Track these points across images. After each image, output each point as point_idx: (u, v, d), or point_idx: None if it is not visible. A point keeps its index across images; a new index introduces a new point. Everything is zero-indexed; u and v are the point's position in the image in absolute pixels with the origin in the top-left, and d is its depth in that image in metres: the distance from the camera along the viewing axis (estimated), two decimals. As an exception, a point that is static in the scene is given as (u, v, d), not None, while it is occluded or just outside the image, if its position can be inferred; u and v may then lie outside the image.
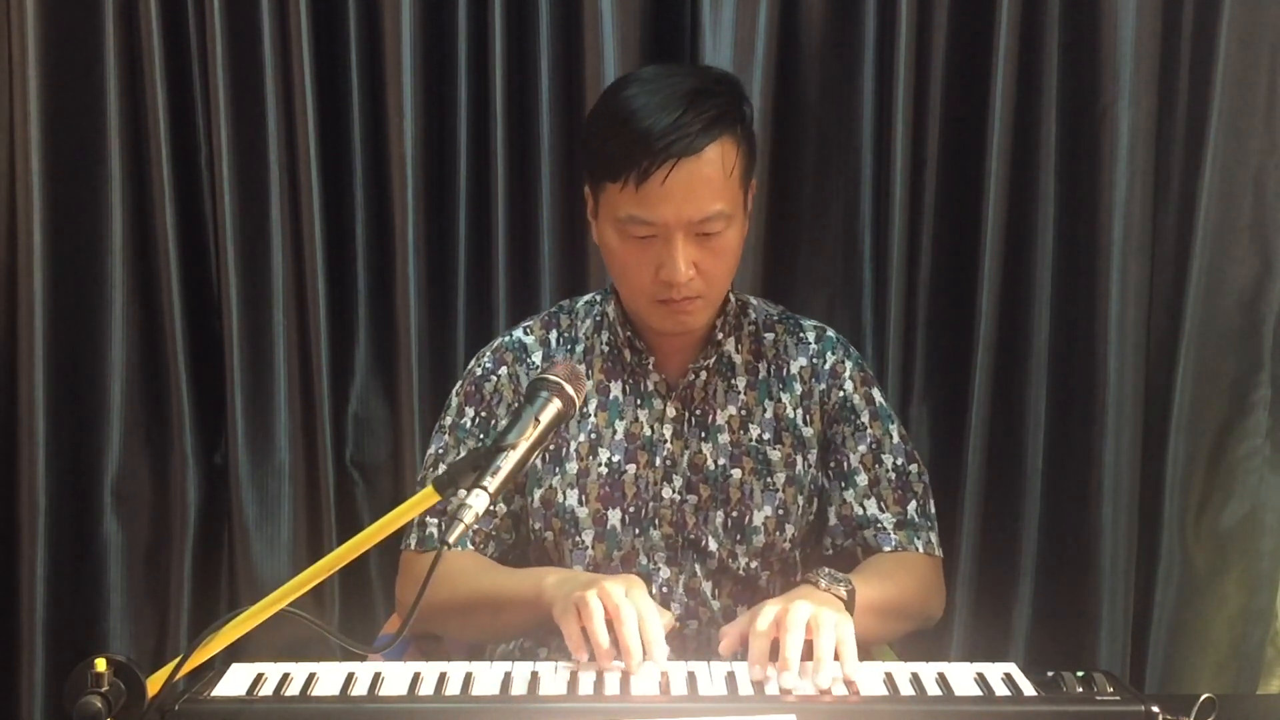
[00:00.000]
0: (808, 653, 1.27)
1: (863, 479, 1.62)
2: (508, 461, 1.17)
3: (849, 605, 1.40)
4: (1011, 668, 1.29)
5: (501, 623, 1.46)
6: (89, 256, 2.15)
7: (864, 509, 1.61)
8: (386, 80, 2.10)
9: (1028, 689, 1.25)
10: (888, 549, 1.60)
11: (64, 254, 2.13)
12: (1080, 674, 1.25)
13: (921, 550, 1.61)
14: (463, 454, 1.62)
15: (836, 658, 1.27)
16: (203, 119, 2.14)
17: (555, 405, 1.23)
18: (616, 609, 1.29)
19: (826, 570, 1.43)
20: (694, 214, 1.46)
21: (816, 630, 1.28)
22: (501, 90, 2.09)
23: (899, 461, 1.64)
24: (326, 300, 2.15)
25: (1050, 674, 1.27)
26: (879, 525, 1.61)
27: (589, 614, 1.30)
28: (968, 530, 2.13)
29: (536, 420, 1.21)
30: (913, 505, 1.63)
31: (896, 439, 1.65)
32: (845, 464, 1.63)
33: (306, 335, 2.16)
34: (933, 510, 1.66)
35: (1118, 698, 1.21)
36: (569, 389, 1.24)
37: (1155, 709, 1.18)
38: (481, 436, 1.63)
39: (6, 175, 2.12)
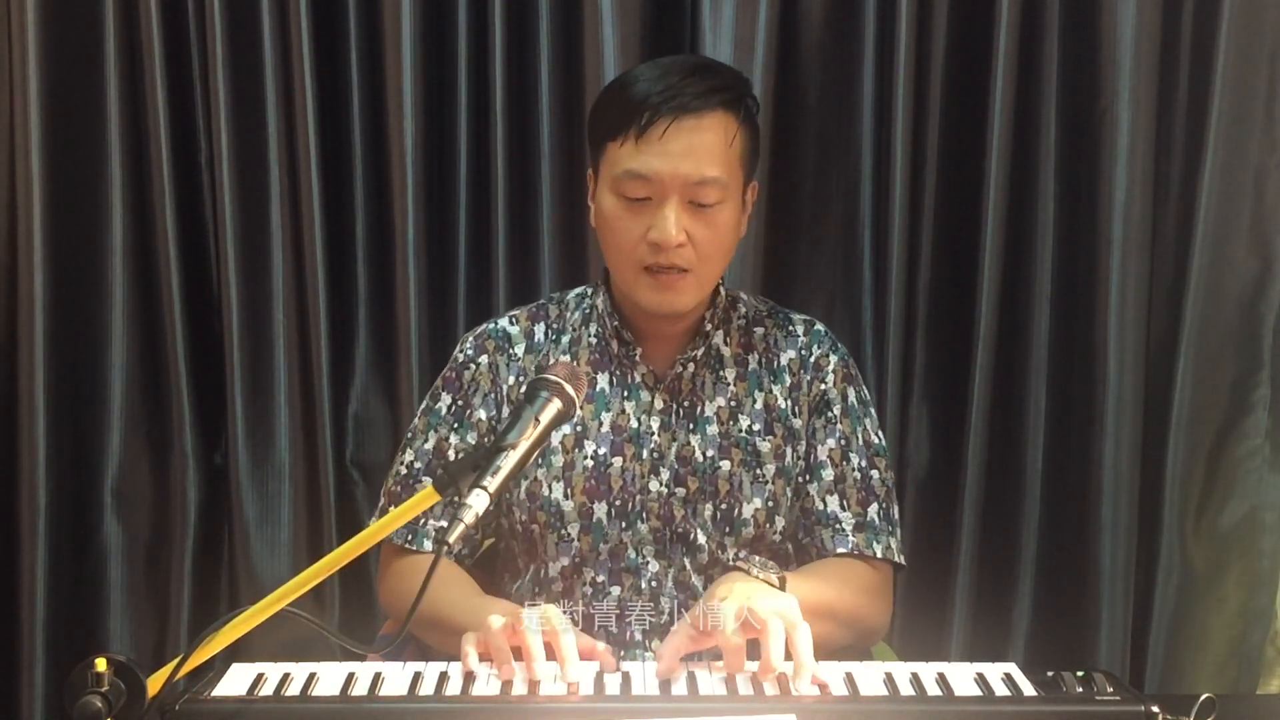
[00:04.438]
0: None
1: (828, 474, 1.61)
2: (508, 461, 1.18)
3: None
4: (1011, 668, 1.29)
5: (453, 646, 1.45)
6: (89, 256, 2.15)
7: (825, 505, 1.60)
8: (386, 80, 2.10)
9: (1028, 689, 1.25)
10: (841, 551, 1.58)
11: (64, 254, 2.13)
12: (1080, 674, 1.25)
13: (880, 554, 1.59)
14: (431, 441, 1.62)
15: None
16: (203, 119, 2.13)
17: (555, 405, 1.23)
18: (521, 630, 1.28)
19: (757, 559, 1.44)
20: (691, 173, 1.46)
21: (793, 628, 1.27)
22: (501, 90, 2.09)
23: (863, 463, 1.62)
24: (326, 300, 2.15)
25: (1050, 674, 1.27)
26: (837, 525, 1.59)
27: (490, 631, 1.30)
28: (968, 530, 2.13)
29: (536, 420, 1.21)
30: (874, 508, 1.61)
31: (864, 440, 1.63)
32: (814, 457, 1.62)
33: (306, 335, 2.16)
34: (896, 515, 1.64)
35: (1118, 698, 1.21)
36: (569, 389, 1.24)
37: (1155, 709, 1.18)
38: (455, 425, 1.62)
39: (6, 175, 2.12)
